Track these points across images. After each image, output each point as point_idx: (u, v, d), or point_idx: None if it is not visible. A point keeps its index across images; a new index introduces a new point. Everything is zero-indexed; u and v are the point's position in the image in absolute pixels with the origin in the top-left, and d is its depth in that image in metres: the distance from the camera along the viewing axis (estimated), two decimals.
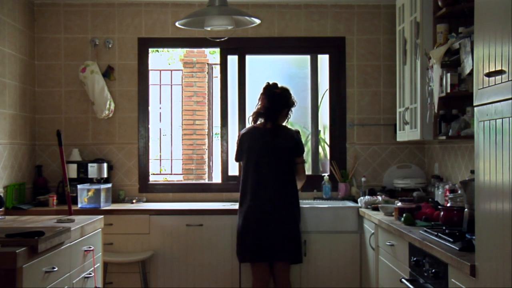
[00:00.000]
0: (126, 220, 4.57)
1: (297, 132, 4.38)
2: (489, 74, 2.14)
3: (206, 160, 6.98)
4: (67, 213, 4.09)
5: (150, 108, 5.26)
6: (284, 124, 4.34)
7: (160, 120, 7.60)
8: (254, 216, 4.14)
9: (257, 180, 4.18)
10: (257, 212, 4.14)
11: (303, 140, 4.79)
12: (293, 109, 4.35)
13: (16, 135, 4.64)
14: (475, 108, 2.31)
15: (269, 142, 4.22)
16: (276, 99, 4.27)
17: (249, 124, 4.44)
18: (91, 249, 3.49)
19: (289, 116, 4.35)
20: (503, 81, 2.06)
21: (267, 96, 4.27)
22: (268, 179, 4.17)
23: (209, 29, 4.20)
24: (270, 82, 4.35)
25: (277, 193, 4.16)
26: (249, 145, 4.25)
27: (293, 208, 4.21)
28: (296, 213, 4.23)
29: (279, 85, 4.35)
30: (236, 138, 4.49)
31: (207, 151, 6.98)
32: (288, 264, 4.25)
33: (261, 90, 4.34)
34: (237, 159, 4.40)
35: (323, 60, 5.39)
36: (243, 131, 4.39)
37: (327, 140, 5.35)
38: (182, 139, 7.14)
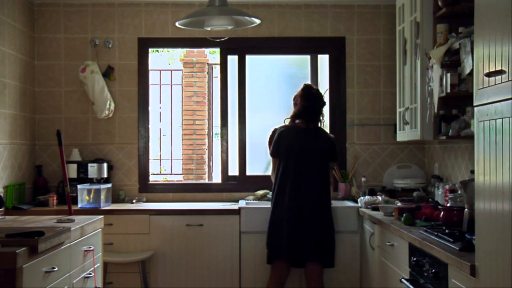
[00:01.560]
0: (126, 220, 4.57)
1: (333, 138, 4.44)
2: (489, 74, 2.14)
3: (206, 160, 6.98)
4: (67, 213, 4.09)
5: (150, 108, 5.26)
6: (320, 126, 4.35)
7: (160, 120, 7.60)
8: (290, 215, 4.13)
9: (296, 179, 4.17)
10: (294, 211, 4.13)
11: None
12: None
13: (16, 135, 4.64)
14: (475, 108, 2.31)
15: (310, 142, 4.24)
16: (316, 99, 4.30)
17: (283, 123, 4.42)
18: (91, 249, 3.49)
19: (323, 117, 4.36)
20: (503, 81, 2.06)
21: (307, 97, 4.28)
22: (307, 179, 4.17)
23: (209, 29, 4.19)
24: (307, 83, 4.40)
25: (315, 194, 4.17)
26: (289, 142, 4.24)
27: (328, 210, 4.23)
28: (330, 215, 4.25)
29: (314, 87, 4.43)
30: (269, 134, 4.43)
31: (207, 151, 6.99)
32: (321, 265, 4.23)
33: (299, 92, 4.34)
34: (273, 154, 4.34)
35: (323, 60, 5.39)
36: (281, 128, 4.35)
37: None
38: (182, 139, 7.14)
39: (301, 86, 4.38)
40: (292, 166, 4.20)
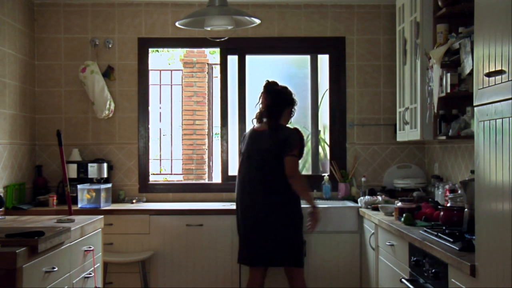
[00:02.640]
0: (126, 220, 4.57)
1: (295, 131, 4.15)
2: (489, 74, 2.14)
3: (206, 160, 6.98)
4: (67, 213, 4.09)
5: (150, 108, 5.26)
6: (286, 124, 4.21)
7: (160, 120, 7.60)
8: (244, 222, 4.12)
9: (245, 185, 4.12)
10: (246, 217, 4.11)
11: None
12: (296, 107, 4.25)
13: (16, 135, 4.64)
14: (475, 108, 2.31)
15: (259, 144, 4.11)
16: (278, 96, 4.17)
17: (252, 125, 4.37)
18: (91, 249, 3.49)
19: (292, 114, 4.23)
20: (503, 81, 2.06)
21: (269, 94, 4.18)
22: (256, 185, 4.07)
23: (209, 29, 4.20)
24: (270, 80, 4.27)
25: (265, 198, 4.04)
26: (244, 148, 4.23)
27: (286, 211, 4.06)
28: (290, 217, 4.07)
29: (279, 84, 4.29)
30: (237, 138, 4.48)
31: (207, 151, 6.98)
32: (299, 269, 4.16)
33: (261, 89, 4.26)
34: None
35: (323, 60, 5.39)
36: (246, 132, 4.37)
37: (327, 140, 5.35)
38: (182, 139, 7.14)
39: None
40: (243, 170, 4.17)
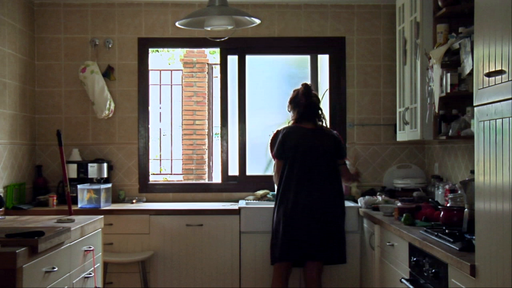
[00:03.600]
0: (126, 220, 4.57)
1: (337, 134, 4.43)
2: (489, 74, 2.14)
3: (206, 160, 6.98)
4: (67, 213, 4.09)
5: (150, 108, 5.26)
6: (324, 124, 4.36)
7: (160, 120, 7.60)
8: (296, 214, 4.13)
9: (302, 179, 4.16)
10: (300, 210, 4.13)
11: None
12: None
13: (16, 135, 4.64)
14: (475, 108, 2.31)
15: (315, 141, 4.23)
16: (316, 97, 4.37)
17: (286, 125, 4.42)
18: (91, 249, 3.49)
19: (324, 115, 4.39)
20: (503, 81, 2.06)
21: (309, 95, 4.30)
22: (313, 179, 4.17)
23: (209, 29, 4.19)
24: (305, 83, 4.39)
25: (321, 193, 4.16)
26: (294, 143, 4.22)
27: (336, 207, 4.21)
28: (339, 213, 4.23)
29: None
30: (271, 136, 4.43)
31: (207, 151, 6.99)
32: (321, 265, 4.24)
33: (293, 93, 4.36)
34: (277, 156, 4.30)
35: (323, 60, 5.39)
36: (285, 129, 4.33)
37: None
38: (182, 139, 7.14)
39: (299, 86, 4.37)
40: (298, 166, 4.18)
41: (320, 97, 5.42)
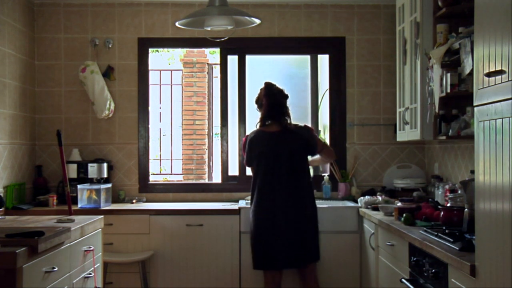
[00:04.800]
0: (126, 220, 4.57)
1: (306, 128, 4.33)
2: (489, 74, 2.14)
3: (206, 160, 6.98)
4: (67, 213, 4.09)
5: (150, 108, 5.26)
6: (291, 122, 4.29)
7: (160, 120, 7.61)
8: (269, 223, 4.13)
9: (270, 185, 4.15)
10: (272, 218, 4.12)
11: None
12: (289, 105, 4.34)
13: (16, 135, 4.64)
14: (475, 108, 2.31)
15: (279, 145, 4.18)
16: (278, 94, 4.27)
17: (254, 128, 4.39)
18: (91, 249, 3.49)
19: (288, 111, 4.29)
20: (503, 81, 2.06)
21: (270, 95, 4.25)
22: (282, 184, 4.14)
23: (209, 29, 4.19)
24: (268, 81, 4.33)
25: (292, 197, 4.14)
26: (260, 150, 4.21)
27: (303, 209, 4.17)
28: (310, 215, 4.20)
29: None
30: (242, 141, 4.44)
31: (207, 151, 6.99)
32: (314, 265, 4.26)
33: (258, 93, 4.33)
34: (248, 164, 4.35)
35: (323, 60, 5.39)
36: (250, 135, 4.32)
37: (327, 140, 5.35)
38: (182, 139, 7.14)
39: (262, 85, 4.33)
40: (261, 174, 4.18)
41: (320, 97, 5.44)
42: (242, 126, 5.20)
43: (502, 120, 2.06)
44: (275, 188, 4.14)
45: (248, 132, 5.19)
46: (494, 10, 2.16)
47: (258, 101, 4.36)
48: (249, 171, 5.20)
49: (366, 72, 5.16)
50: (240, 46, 5.18)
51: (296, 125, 4.31)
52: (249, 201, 4.35)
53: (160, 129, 7.66)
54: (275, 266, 4.18)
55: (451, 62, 3.69)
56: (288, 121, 4.26)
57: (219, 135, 5.38)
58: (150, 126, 5.26)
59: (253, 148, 4.25)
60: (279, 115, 4.25)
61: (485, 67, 2.21)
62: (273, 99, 4.24)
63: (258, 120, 4.34)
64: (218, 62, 5.34)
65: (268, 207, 4.14)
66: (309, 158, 4.34)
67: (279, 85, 4.35)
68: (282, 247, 4.11)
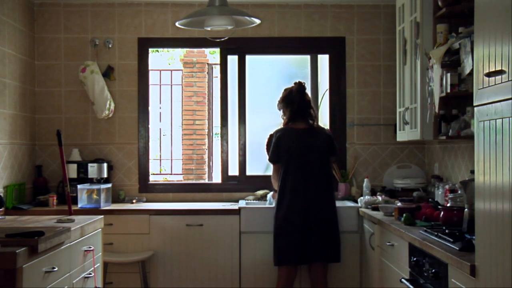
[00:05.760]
0: (126, 220, 4.57)
1: (328, 130, 4.48)
2: (489, 74, 2.14)
3: (206, 160, 6.98)
4: (67, 213, 4.09)
5: (150, 108, 5.26)
6: (315, 122, 4.36)
7: (160, 120, 7.61)
8: (295, 217, 4.14)
9: (299, 181, 4.17)
10: (299, 213, 4.14)
11: None
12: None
13: (16, 135, 4.64)
14: (475, 108, 2.31)
15: (308, 141, 4.24)
16: (306, 95, 4.34)
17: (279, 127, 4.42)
18: (91, 249, 3.49)
19: (316, 113, 4.41)
20: (503, 81, 2.06)
21: (301, 94, 4.30)
22: (311, 180, 4.18)
23: (209, 29, 4.19)
24: (299, 81, 4.38)
25: (319, 194, 4.19)
26: (288, 146, 4.23)
27: (333, 206, 4.25)
28: (335, 213, 4.26)
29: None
30: (266, 140, 4.43)
31: (207, 151, 6.99)
32: (327, 264, 4.28)
33: (284, 92, 4.37)
34: (273, 161, 4.32)
35: (323, 60, 5.39)
36: (278, 133, 4.31)
37: None
38: (182, 139, 7.14)
39: (292, 85, 4.37)
40: (294, 168, 4.19)
41: (320, 97, 5.45)
42: (242, 126, 5.20)
43: (502, 120, 2.06)
44: (308, 182, 4.18)
45: (247, 132, 5.21)
46: (494, 10, 2.16)
47: (285, 99, 4.34)
48: (249, 171, 5.23)
49: (366, 72, 5.16)
50: (240, 46, 5.18)
51: (319, 126, 4.42)
52: (270, 197, 4.48)
53: (160, 129, 7.66)
54: (304, 260, 4.20)
55: (451, 62, 3.69)
56: (314, 122, 4.35)
57: (219, 135, 5.38)
58: (150, 126, 5.26)
59: (281, 144, 4.25)
60: (308, 114, 4.31)
61: (485, 67, 2.21)
62: (304, 98, 4.31)
63: (283, 117, 4.37)
64: (218, 62, 5.34)
65: (301, 201, 4.16)
66: None
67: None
68: (315, 240, 4.14)
